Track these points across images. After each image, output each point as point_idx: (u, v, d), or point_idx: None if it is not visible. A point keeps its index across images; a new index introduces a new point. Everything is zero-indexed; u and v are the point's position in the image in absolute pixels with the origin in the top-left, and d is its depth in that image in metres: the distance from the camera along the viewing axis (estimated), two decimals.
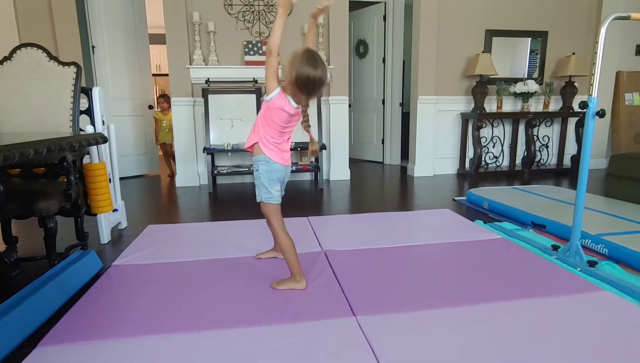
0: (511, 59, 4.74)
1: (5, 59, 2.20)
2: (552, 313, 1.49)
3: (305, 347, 1.29)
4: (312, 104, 1.62)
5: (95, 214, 2.37)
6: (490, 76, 4.51)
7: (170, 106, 4.55)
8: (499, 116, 4.64)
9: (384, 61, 5.46)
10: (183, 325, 1.44)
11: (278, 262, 1.97)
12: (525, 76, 4.74)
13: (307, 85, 1.50)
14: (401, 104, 5.52)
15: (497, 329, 1.38)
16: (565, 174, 4.70)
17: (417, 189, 3.97)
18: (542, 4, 4.63)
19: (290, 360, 1.23)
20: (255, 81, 4.09)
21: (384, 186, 4.26)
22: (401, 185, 4.22)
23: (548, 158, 4.97)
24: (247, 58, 4.07)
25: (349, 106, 4.82)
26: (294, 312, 1.50)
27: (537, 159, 4.89)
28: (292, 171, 3.84)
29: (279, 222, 1.70)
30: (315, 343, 1.31)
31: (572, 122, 4.90)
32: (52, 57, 2.23)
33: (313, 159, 4.17)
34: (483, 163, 4.74)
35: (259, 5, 4.10)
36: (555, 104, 4.87)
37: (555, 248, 2.14)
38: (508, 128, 4.82)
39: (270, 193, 1.67)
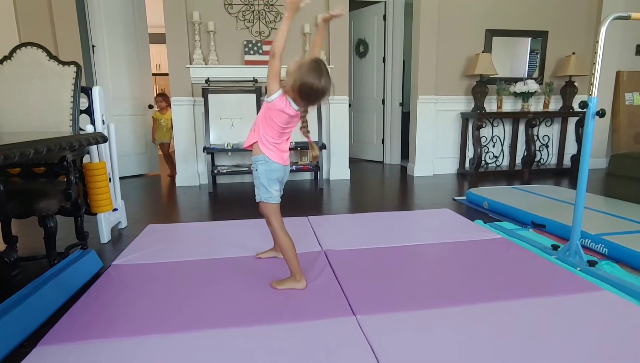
0: (511, 59, 4.74)
1: (5, 58, 2.20)
2: (551, 312, 1.49)
3: (305, 347, 1.29)
4: (312, 108, 1.62)
5: (95, 214, 2.37)
6: (491, 76, 4.51)
7: (168, 105, 4.55)
8: (499, 116, 4.64)
9: (384, 61, 5.46)
10: (183, 324, 1.44)
11: (278, 262, 1.97)
12: (525, 76, 4.73)
13: (309, 94, 1.51)
14: (401, 104, 5.52)
15: (497, 329, 1.38)
16: (565, 174, 4.70)
17: (417, 189, 3.97)
18: (542, 3, 4.63)
19: (290, 359, 1.23)
20: (255, 81, 4.08)
21: (384, 185, 4.26)
22: (401, 185, 4.22)
23: (548, 157, 4.97)
24: (247, 58, 4.07)
25: (349, 105, 4.82)
26: (294, 312, 1.51)
27: (537, 159, 4.89)
28: (292, 171, 3.85)
29: (279, 222, 1.70)
30: (315, 343, 1.31)
31: (572, 122, 4.90)
32: (52, 56, 2.23)
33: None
34: (483, 162, 4.74)
35: (259, 4, 4.10)
36: (555, 104, 4.87)
37: (555, 247, 2.14)
38: (508, 128, 4.82)
39: (269, 193, 1.68)
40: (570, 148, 4.91)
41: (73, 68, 2.23)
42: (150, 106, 4.77)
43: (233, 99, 4.01)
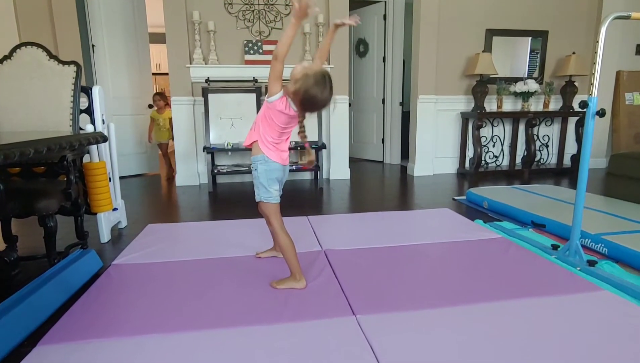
0: (511, 59, 4.73)
1: (5, 58, 2.20)
2: (551, 312, 1.49)
3: (305, 346, 1.29)
4: (310, 114, 1.65)
5: (95, 214, 2.37)
6: (491, 76, 4.51)
7: (166, 104, 4.55)
8: (499, 116, 4.64)
9: (384, 60, 5.45)
10: (183, 324, 1.44)
11: (278, 261, 1.97)
12: (526, 76, 4.73)
13: (310, 104, 1.53)
14: (401, 104, 5.51)
15: (496, 328, 1.39)
16: (565, 173, 4.70)
17: (417, 189, 3.97)
18: (543, 3, 4.63)
19: (290, 359, 1.23)
20: (255, 80, 4.08)
21: (384, 185, 4.26)
22: (401, 184, 4.22)
23: (548, 157, 4.97)
24: (247, 57, 4.06)
25: (349, 105, 4.82)
26: (294, 311, 1.51)
27: (537, 158, 4.89)
28: (292, 171, 3.85)
29: (279, 221, 1.70)
30: (315, 343, 1.31)
31: (572, 121, 4.90)
32: (52, 56, 2.23)
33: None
34: (483, 162, 4.74)
35: (259, 4, 4.10)
36: (555, 104, 4.87)
37: (555, 247, 2.14)
38: (508, 128, 4.82)
39: (269, 193, 1.68)
40: (570, 148, 4.91)
41: (73, 68, 2.23)
42: (150, 106, 4.77)
43: (233, 98, 4.01)
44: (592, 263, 1.89)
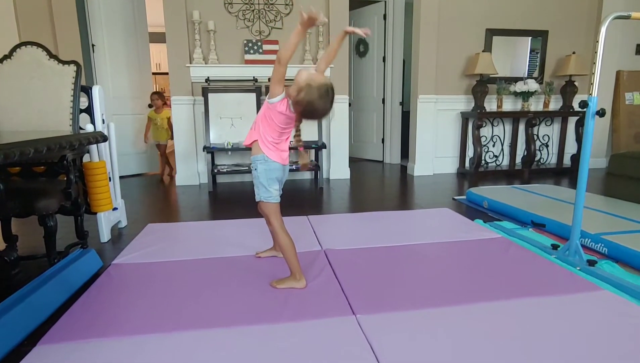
0: (511, 58, 4.73)
1: (5, 57, 2.20)
2: (551, 312, 1.49)
3: (305, 346, 1.29)
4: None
5: (95, 213, 2.37)
6: (491, 75, 4.51)
7: (164, 104, 4.55)
8: (499, 115, 4.64)
9: (384, 60, 5.45)
10: (183, 323, 1.44)
11: (278, 261, 1.97)
12: (526, 75, 4.73)
13: (310, 113, 1.56)
14: (401, 103, 5.51)
15: (496, 328, 1.39)
16: (565, 173, 4.70)
17: (417, 189, 3.97)
18: (543, 3, 4.63)
19: (290, 359, 1.23)
20: (255, 80, 4.08)
21: (384, 185, 4.26)
22: (401, 184, 4.22)
23: (548, 157, 4.96)
24: (247, 57, 4.06)
25: (349, 105, 4.82)
26: (294, 311, 1.51)
27: (537, 158, 4.89)
28: (292, 170, 3.85)
29: (279, 221, 1.70)
30: (315, 342, 1.31)
31: (572, 121, 4.90)
32: (52, 55, 2.23)
33: (312, 159, 4.17)
34: (483, 162, 4.74)
35: (259, 3, 4.10)
36: (555, 104, 4.87)
37: (554, 247, 2.14)
38: (508, 127, 4.82)
39: (269, 192, 1.68)
40: (570, 148, 4.91)
41: (73, 67, 2.23)
42: (150, 105, 4.77)
43: (233, 98, 4.00)
44: (592, 263, 1.89)
